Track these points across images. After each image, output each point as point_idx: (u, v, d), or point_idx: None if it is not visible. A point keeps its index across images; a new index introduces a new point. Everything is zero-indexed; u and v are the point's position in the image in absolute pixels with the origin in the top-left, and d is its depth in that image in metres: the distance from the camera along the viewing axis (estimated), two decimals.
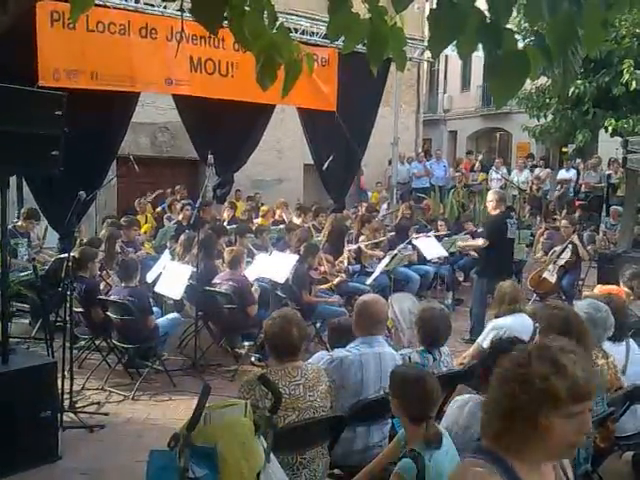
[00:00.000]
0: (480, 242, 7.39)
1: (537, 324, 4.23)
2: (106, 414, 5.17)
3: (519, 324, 4.53)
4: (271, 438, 2.51)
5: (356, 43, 2.30)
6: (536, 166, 15.82)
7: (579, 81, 11.11)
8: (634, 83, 10.47)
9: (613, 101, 11.51)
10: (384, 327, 3.96)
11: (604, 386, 3.48)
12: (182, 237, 7.53)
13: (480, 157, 17.86)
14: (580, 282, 8.96)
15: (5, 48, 6.17)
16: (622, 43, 10.76)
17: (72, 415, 4.95)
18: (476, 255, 8.04)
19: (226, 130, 9.99)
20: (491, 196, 7.39)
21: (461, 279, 9.94)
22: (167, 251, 7.56)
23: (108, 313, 5.84)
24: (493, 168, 15.84)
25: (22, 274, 6.85)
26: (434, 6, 2.03)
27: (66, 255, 5.35)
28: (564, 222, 9.06)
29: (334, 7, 2.21)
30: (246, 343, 6.53)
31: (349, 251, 8.31)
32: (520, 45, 2.07)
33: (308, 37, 9.77)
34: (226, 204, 10.85)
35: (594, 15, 2.03)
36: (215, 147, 8.94)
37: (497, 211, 7.19)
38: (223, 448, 2.33)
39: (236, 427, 2.42)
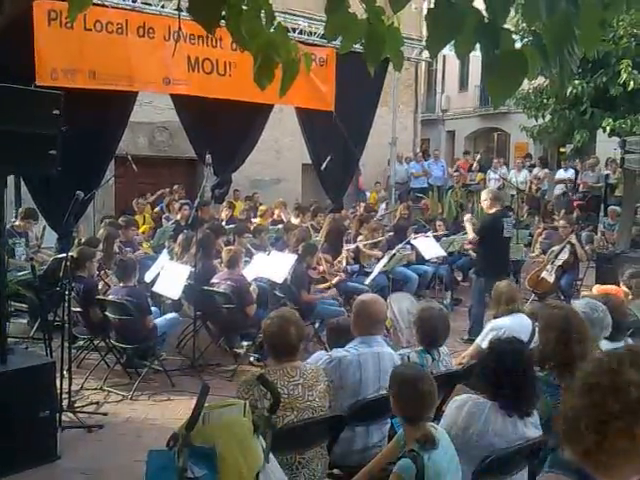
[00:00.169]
0: (470, 236, 7.43)
1: (536, 324, 4.25)
2: (105, 414, 5.17)
3: (518, 324, 4.53)
4: (270, 438, 2.51)
5: (353, 43, 2.30)
6: (534, 166, 15.83)
7: (577, 81, 11.10)
8: (632, 83, 10.47)
9: (611, 101, 11.51)
10: (383, 327, 3.96)
11: None
12: (180, 237, 7.53)
13: (478, 157, 17.88)
14: (578, 282, 8.97)
15: (2, 47, 6.17)
16: (620, 43, 10.76)
17: (71, 415, 4.95)
18: (474, 255, 8.05)
19: (224, 130, 9.98)
20: (485, 195, 7.39)
21: (459, 279, 9.95)
22: (165, 251, 7.56)
23: (106, 313, 5.83)
24: (492, 169, 15.86)
25: (20, 274, 6.84)
26: (432, 6, 2.03)
27: (64, 255, 5.35)
28: (562, 222, 9.07)
29: (331, 7, 2.21)
30: (245, 343, 6.53)
31: (347, 251, 8.31)
32: (518, 45, 2.08)
33: (306, 37, 9.77)
34: (224, 204, 10.86)
35: (591, 15, 2.03)
36: (213, 147, 8.95)
37: (493, 210, 7.19)
38: (222, 448, 2.33)
39: (235, 427, 2.42)
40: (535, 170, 15.59)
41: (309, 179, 14.55)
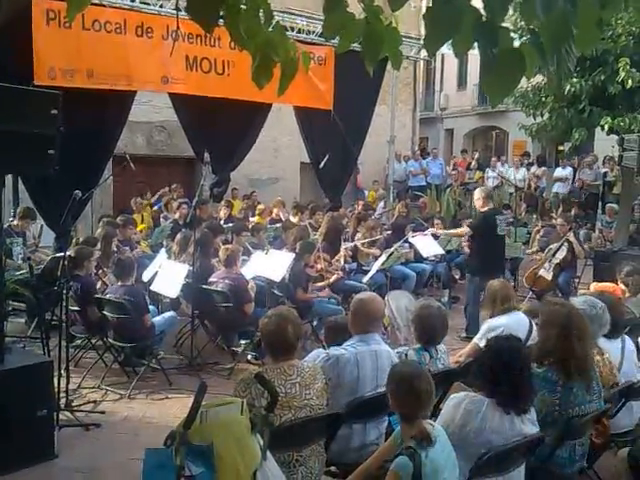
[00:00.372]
0: (462, 231, 7.46)
1: (535, 321, 4.26)
2: (102, 413, 5.17)
3: (515, 322, 4.53)
4: (267, 436, 2.51)
5: (351, 42, 2.30)
6: (532, 164, 15.85)
7: (575, 79, 11.11)
8: (630, 81, 10.48)
9: (609, 99, 11.52)
10: (380, 325, 3.97)
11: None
12: (178, 236, 7.52)
13: (476, 155, 17.89)
14: (576, 280, 8.99)
15: (0, 47, 6.16)
16: (618, 42, 10.77)
17: (68, 414, 4.95)
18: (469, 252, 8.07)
19: (222, 129, 9.97)
20: (477, 194, 7.42)
21: (457, 277, 9.95)
22: (163, 250, 7.56)
23: (104, 312, 5.83)
24: (490, 167, 15.87)
25: (18, 273, 6.84)
26: (430, 4, 2.03)
27: (62, 254, 5.34)
28: (560, 220, 9.09)
29: (330, 6, 2.20)
30: (242, 341, 6.54)
31: (346, 249, 8.31)
32: (516, 43, 2.08)
33: (305, 36, 9.75)
34: (222, 203, 10.84)
35: (589, 14, 2.03)
36: (211, 146, 8.97)
37: (486, 208, 7.22)
38: (219, 446, 2.33)
39: (232, 425, 2.42)
40: (533, 168, 15.61)
41: (307, 178, 14.55)
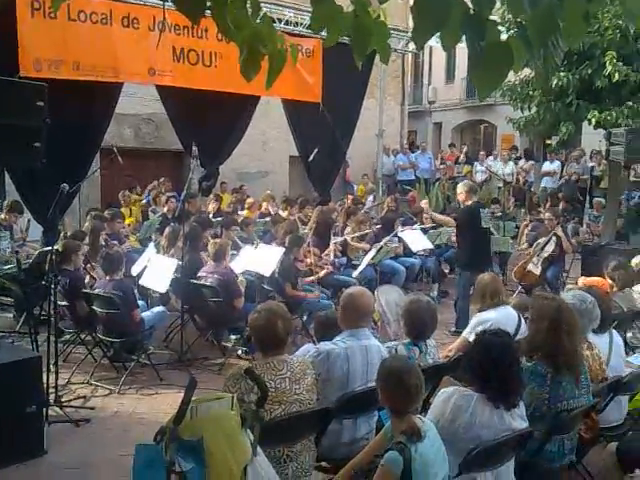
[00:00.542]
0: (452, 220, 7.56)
1: (525, 315, 4.27)
2: (92, 408, 5.15)
3: (504, 316, 4.55)
4: (258, 431, 2.51)
5: (339, 36, 2.28)
6: (520, 158, 15.90)
7: (562, 73, 11.12)
8: (617, 75, 10.51)
9: (596, 93, 11.54)
10: (370, 320, 3.97)
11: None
12: (167, 230, 7.49)
13: (465, 149, 17.92)
14: (564, 274, 9.04)
15: None
16: (605, 35, 10.79)
17: (58, 409, 4.92)
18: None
19: (211, 121, 9.91)
20: (461, 188, 7.47)
21: (447, 271, 9.98)
22: (152, 244, 7.52)
23: (93, 306, 5.80)
24: (478, 161, 15.90)
25: (5, 267, 6.78)
26: None
27: (50, 248, 5.30)
28: (548, 214, 9.12)
29: None
30: (232, 336, 6.52)
31: (335, 244, 8.31)
32: (504, 37, 2.07)
33: (292, 27, 9.70)
34: (211, 196, 10.80)
35: (575, 7, 2.03)
36: (200, 139, 8.90)
37: (469, 202, 7.27)
38: (209, 442, 2.32)
39: (222, 420, 2.41)
40: (521, 162, 15.65)
41: (296, 171, 14.52)
